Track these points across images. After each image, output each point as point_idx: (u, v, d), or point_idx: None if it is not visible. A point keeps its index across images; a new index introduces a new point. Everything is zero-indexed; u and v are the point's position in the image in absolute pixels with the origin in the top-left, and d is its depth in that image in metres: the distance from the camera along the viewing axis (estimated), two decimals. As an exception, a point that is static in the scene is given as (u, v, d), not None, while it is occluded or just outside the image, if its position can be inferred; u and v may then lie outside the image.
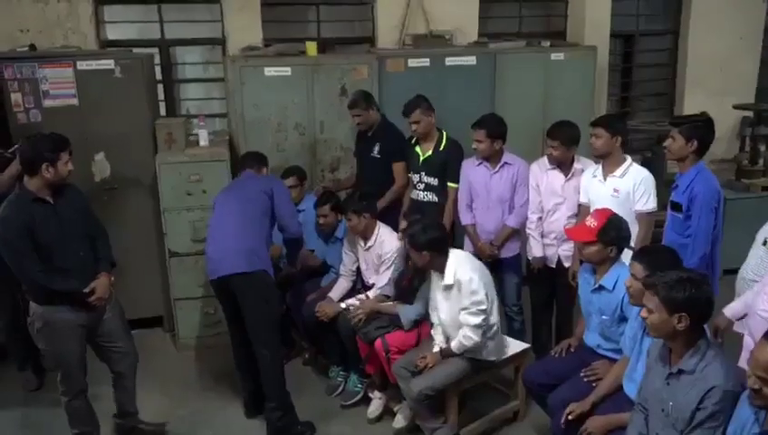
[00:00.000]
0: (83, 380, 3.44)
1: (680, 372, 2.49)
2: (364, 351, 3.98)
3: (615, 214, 3.36)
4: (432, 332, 3.76)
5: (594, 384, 3.15)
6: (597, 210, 3.42)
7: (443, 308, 3.63)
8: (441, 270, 3.54)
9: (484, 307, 3.46)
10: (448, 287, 3.53)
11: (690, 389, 2.43)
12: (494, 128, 4.17)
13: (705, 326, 2.54)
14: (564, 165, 4.10)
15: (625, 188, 3.82)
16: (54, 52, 4.87)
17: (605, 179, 3.88)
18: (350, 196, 4.31)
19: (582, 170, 4.09)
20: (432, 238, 3.48)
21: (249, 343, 3.72)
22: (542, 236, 4.21)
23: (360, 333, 3.94)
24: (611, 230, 3.26)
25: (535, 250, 4.22)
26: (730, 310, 3.24)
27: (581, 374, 3.25)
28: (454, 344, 3.54)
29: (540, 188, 4.17)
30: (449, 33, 5.86)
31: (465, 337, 3.48)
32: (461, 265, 3.51)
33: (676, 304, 2.41)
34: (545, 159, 4.16)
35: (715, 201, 3.57)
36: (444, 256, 3.52)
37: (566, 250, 4.15)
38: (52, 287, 3.20)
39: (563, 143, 4.01)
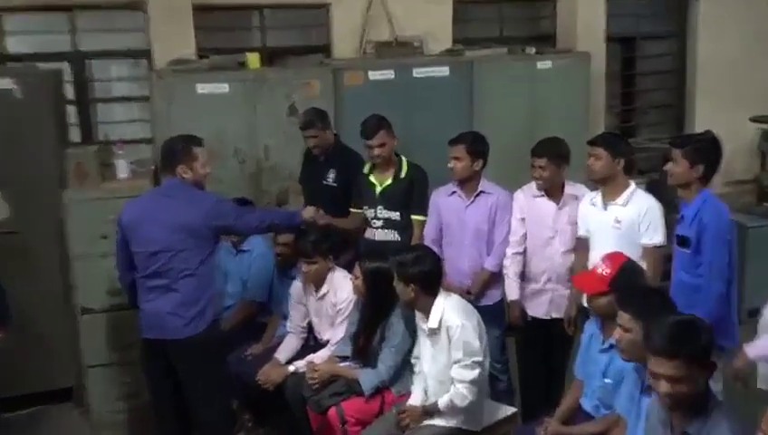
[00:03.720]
0: None
1: None
2: (316, 422, 3.91)
3: (629, 259, 3.39)
4: (413, 384, 3.74)
5: None
6: (608, 255, 3.43)
7: (426, 356, 3.61)
8: (426, 311, 3.54)
9: (479, 359, 3.47)
10: (433, 332, 3.53)
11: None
12: (476, 144, 4.19)
13: (711, 382, 2.52)
14: (554, 191, 4.11)
15: (628, 219, 3.83)
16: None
17: (605, 208, 3.90)
18: (301, 234, 4.26)
19: (576, 197, 4.10)
20: (425, 272, 3.49)
21: (183, 417, 3.67)
22: (531, 281, 4.19)
23: (310, 401, 3.88)
24: (626, 278, 3.27)
25: (512, 292, 4.20)
26: (754, 349, 3.24)
27: None
28: (442, 402, 3.51)
29: (526, 220, 4.16)
30: (418, 40, 5.90)
31: (458, 396, 3.46)
32: (451, 309, 3.51)
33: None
34: (533, 185, 4.16)
35: (728, 232, 3.60)
36: (432, 296, 3.52)
37: (562, 295, 4.12)
38: None
39: (552, 160, 4.02)
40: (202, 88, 4.95)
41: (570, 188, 4.13)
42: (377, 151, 4.41)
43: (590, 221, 3.98)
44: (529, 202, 4.17)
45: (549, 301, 4.19)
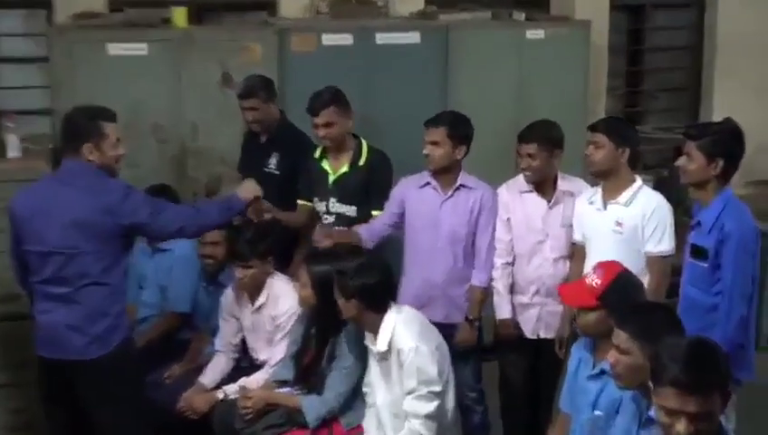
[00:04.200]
0: None
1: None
2: (249, 461, 3.96)
3: (625, 270, 3.42)
4: (364, 420, 3.79)
5: None
6: (602, 264, 3.45)
7: (378, 384, 3.67)
8: (374, 331, 3.59)
9: (437, 389, 3.50)
10: (383, 357, 3.58)
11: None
12: (459, 126, 4.25)
13: (722, 419, 2.59)
14: (545, 186, 4.20)
15: (631, 221, 3.90)
16: None
17: (605, 207, 3.98)
18: (234, 232, 4.31)
19: (572, 194, 4.18)
20: (368, 286, 3.54)
21: None
22: (516, 293, 4.27)
23: (242, 434, 3.91)
24: (620, 292, 3.29)
25: (502, 310, 4.29)
26: None
27: None
28: None
29: (511, 221, 4.25)
30: (383, -1, 5.97)
31: (412, 433, 3.51)
32: (405, 328, 3.56)
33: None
34: (519, 178, 4.25)
35: (753, 242, 3.66)
36: (379, 313, 3.58)
37: (553, 311, 4.22)
38: None
39: (543, 146, 4.10)
40: (114, 49, 4.98)
41: (564, 183, 4.21)
42: (322, 132, 4.45)
43: (587, 223, 4.04)
44: (515, 199, 4.24)
45: (536, 318, 4.26)
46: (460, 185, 4.29)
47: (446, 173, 4.27)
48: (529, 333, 4.29)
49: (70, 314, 3.57)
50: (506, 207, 4.26)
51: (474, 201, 4.27)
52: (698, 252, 3.69)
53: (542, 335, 4.27)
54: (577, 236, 4.13)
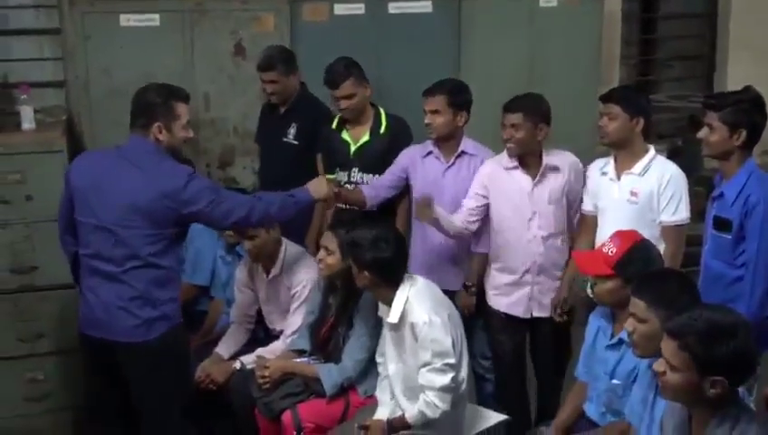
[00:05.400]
0: None
1: (705, 447, 2.59)
2: (265, 429, 4.00)
3: (642, 239, 3.46)
4: (377, 390, 3.83)
5: None
6: (619, 233, 3.50)
7: (391, 356, 3.70)
8: (388, 303, 3.62)
9: (452, 361, 3.53)
10: (395, 328, 3.62)
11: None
12: (458, 93, 4.27)
13: (742, 389, 2.69)
14: (530, 161, 4.16)
15: (646, 191, 3.90)
16: None
17: (618, 178, 3.97)
18: None
19: (558, 169, 4.16)
20: (380, 259, 3.56)
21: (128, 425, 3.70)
22: (506, 272, 4.26)
23: (259, 403, 3.97)
24: (637, 261, 3.34)
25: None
26: None
27: None
28: (411, 415, 3.60)
29: (497, 198, 4.20)
30: (395, -33, 5.95)
31: (428, 405, 3.54)
32: (416, 301, 3.58)
33: (713, 364, 2.49)
34: (504, 155, 4.21)
35: None
36: (392, 285, 3.60)
37: (545, 289, 4.21)
38: None
39: (528, 117, 4.04)
40: (126, 20, 4.97)
41: (549, 158, 4.15)
42: (344, 104, 4.48)
43: (600, 194, 4.03)
44: (499, 176, 4.20)
45: (528, 297, 4.24)
46: (462, 152, 4.33)
47: (447, 141, 4.31)
48: (522, 312, 4.27)
49: (117, 293, 3.52)
50: (483, 182, 4.22)
51: (476, 167, 4.30)
52: (722, 224, 3.69)
53: (536, 314, 4.26)
54: (587, 207, 4.13)
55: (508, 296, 4.27)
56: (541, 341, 4.35)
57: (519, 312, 4.27)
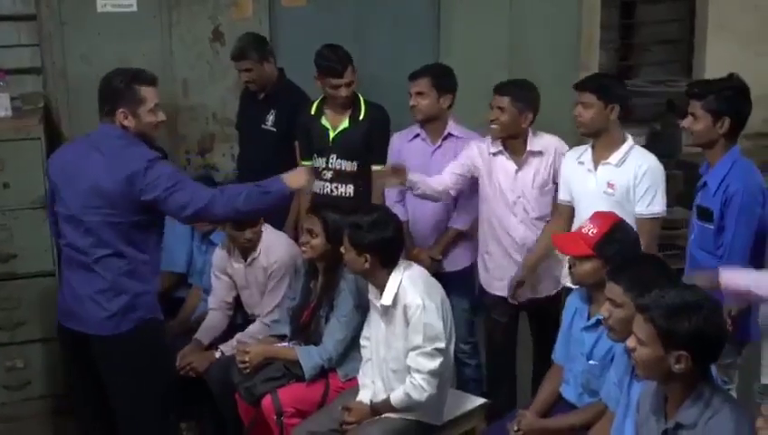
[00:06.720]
0: None
1: (678, 427, 2.63)
2: (247, 415, 4.03)
3: (621, 220, 3.48)
4: (359, 374, 3.85)
5: None
6: (598, 214, 3.52)
7: (378, 338, 3.72)
8: (380, 286, 3.64)
9: (441, 346, 3.56)
10: (387, 311, 3.64)
11: (692, 449, 2.59)
12: (443, 76, 4.31)
13: (713, 367, 2.70)
14: (515, 147, 4.18)
15: (623, 182, 3.88)
16: None
17: (595, 168, 3.97)
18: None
19: (541, 153, 4.18)
20: (384, 240, 3.57)
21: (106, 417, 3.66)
22: (494, 255, 4.30)
23: (240, 388, 3.98)
24: (616, 242, 3.37)
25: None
26: (732, 276, 3.26)
27: None
28: (396, 397, 3.62)
29: (483, 181, 4.25)
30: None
31: (415, 388, 3.56)
32: (410, 284, 3.60)
33: (675, 338, 2.55)
34: (489, 139, 4.25)
35: (758, 203, 3.64)
36: (389, 268, 3.62)
37: (539, 271, 4.23)
38: None
39: (516, 102, 4.08)
40: (103, 5, 4.97)
41: (533, 143, 4.19)
42: (345, 92, 4.46)
43: (576, 184, 4.03)
44: (485, 159, 4.24)
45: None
46: (448, 134, 4.38)
47: (433, 123, 4.35)
48: (516, 297, 4.27)
49: (88, 284, 3.47)
50: (472, 155, 4.25)
51: (462, 150, 4.34)
52: (704, 214, 3.72)
53: (530, 296, 4.29)
54: (563, 196, 4.12)
55: (500, 280, 4.31)
56: (536, 321, 4.38)
57: (513, 297, 4.28)
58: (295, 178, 3.64)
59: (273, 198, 3.59)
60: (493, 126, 4.15)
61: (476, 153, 4.26)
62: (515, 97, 4.10)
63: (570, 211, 4.08)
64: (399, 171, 4.04)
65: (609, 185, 3.90)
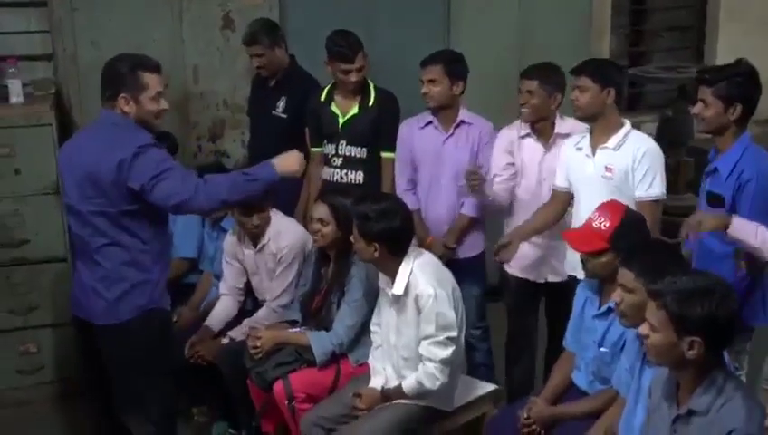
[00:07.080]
0: None
1: (690, 413, 2.64)
2: (258, 399, 4.06)
3: (628, 208, 3.48)
4: (370, 359, 3.87)
5: None
6: (604, 205, 3.50)
7: (390, 326, 3.74)
8: (391, 275, 3.66)
9: (453, 334, 3.58)
10: (398, 300, 3.65)
11: (703, 436, 2.60)
12: (455, 63, 4.31)
13: (725, 353, 2.71)
14: (543, 129, 4.22)
15: (621, 166, 3.86)
16: None
17: (593, 153, 3.95)
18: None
19: (568, 136, 4.17)
20: (392, 230, 3.58)
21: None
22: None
23: (252, 373, 4.00)
24: (628, 232, 3.36)
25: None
26: (741, 225, 3.35)
27: None
28: (408, 385, 3.65)
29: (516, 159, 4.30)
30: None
31: (427, 376, 3.59)
32: (421, 273, 3.61)
33: (688, 323, 2.56)
34: (518, 123, 4.28)
35: None
36: (399, 257, 3.63)
37: (559, 254, 4.22)
38: None
39: (544, 85, 4.11)
40: (114, -9, 4.97)
41: (561, 125, 4.23)
42: (355, 77, 4.47)
43: (574, 170, 4.02)
44: (513, 144, 4.28)
45: (542, 262, 4.30)
46: (461, 121, 4.38)
47: (445, 110, 4.35)
48: (535, 277, 4.33)
49: (90, 273, 3.49)
50: (511, 143, 4.29)
51: (474, 137, 4.36)
52: (715, 199, 3.70)
53: (550, 279, 4.32)
54: (559, 182, 4.11)
55: (522, 262, 4.31)
56: (554, 306, 4.38)
57: (532, 276, 4.33)
58: (286, 163, 3.59)
59: (261, 184, 3.53)
60: (523, 109, 4.19)
61: (506, 143, 4.31)
62: (543, 80, 4.13)
63: (565, 197, 4.10)
64: (479, 177, 4.11)
65: (608, 169, 3.89)
